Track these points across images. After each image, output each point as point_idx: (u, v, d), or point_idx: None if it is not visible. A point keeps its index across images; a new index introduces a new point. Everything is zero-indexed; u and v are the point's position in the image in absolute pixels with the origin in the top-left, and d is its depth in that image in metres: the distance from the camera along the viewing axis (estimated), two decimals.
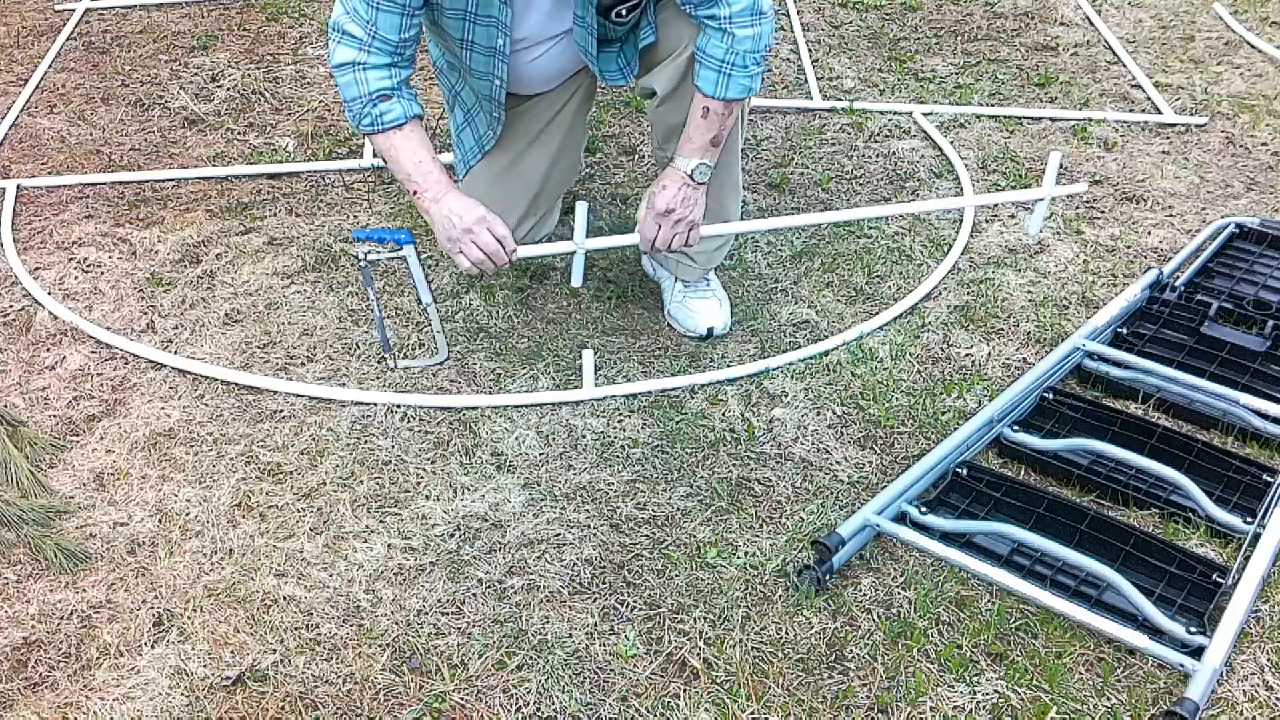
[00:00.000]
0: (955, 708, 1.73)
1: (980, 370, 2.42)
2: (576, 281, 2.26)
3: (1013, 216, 2.91)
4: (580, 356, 2.33)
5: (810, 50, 3.71)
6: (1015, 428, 2.22)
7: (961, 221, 2.88)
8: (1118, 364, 2.37)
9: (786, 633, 1.84)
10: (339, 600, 1.89)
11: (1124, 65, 3.65)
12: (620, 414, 2.29)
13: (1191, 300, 2.53)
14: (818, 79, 3.54)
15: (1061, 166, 3.12)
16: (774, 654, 1.81)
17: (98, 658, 1.79)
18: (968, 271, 2.72)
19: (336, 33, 2.13)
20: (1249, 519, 2.00)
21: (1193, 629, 1.78)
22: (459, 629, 1.85)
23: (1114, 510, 2.07)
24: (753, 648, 1.82)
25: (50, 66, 3.56)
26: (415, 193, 2.20)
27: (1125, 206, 2.97)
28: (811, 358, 2.44)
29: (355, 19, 2.10)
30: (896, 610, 1.88)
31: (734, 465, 2.17)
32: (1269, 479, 2.08)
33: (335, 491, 2.10)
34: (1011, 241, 2.82)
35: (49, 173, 3.05)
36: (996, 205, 2.93)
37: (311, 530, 2.02)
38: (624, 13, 2.17)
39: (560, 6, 2.20)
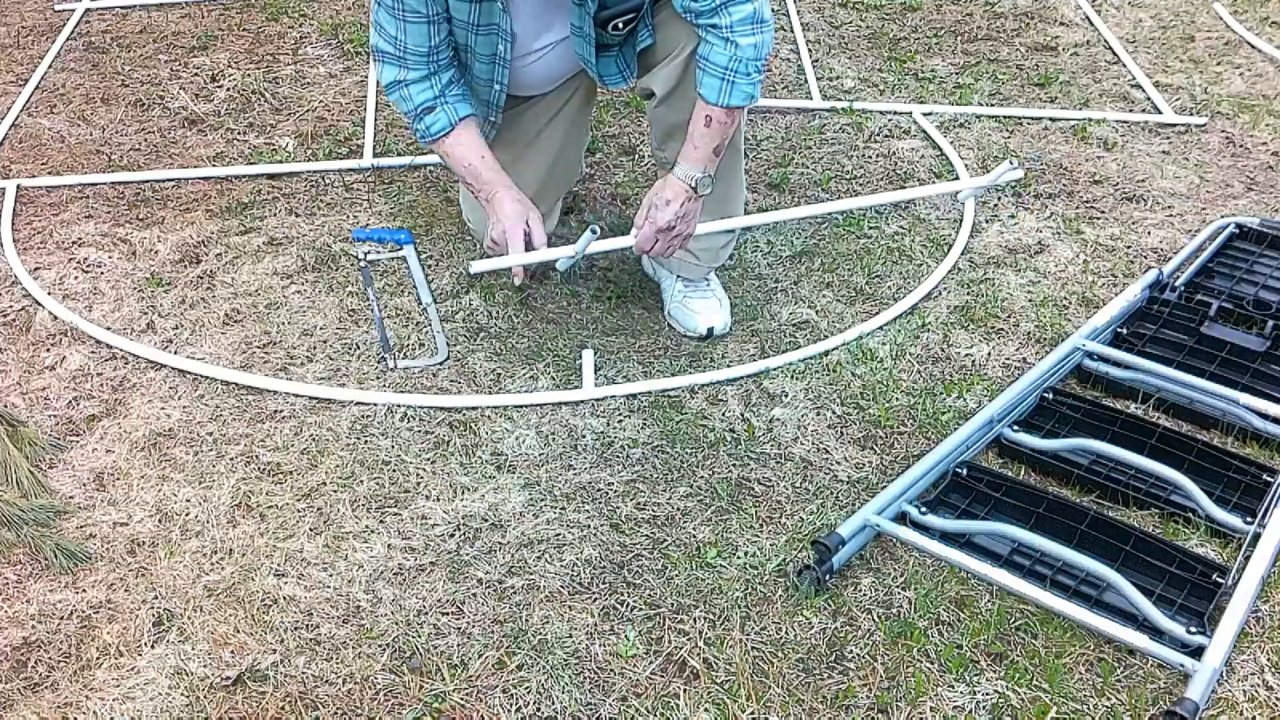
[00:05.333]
0: (955, 708, 1.73)
1: (980, 370, 2.42)
2: (562, 265, 2.26)
3: (1012, 217, 2.91)
4: (580, 356, 2.33)
5: (810, 50, 3.71)
6: (1015, 428, 2.22)
7: (961, 221, 2.88)
8: (1118, 364, 2.37)
9: (786, 633, 1.84)
10: (339, 600, 1.89)
11: (1124, 65, 3.65)
12: (620, 414, 2.29)
13: (1191, 300, 2.53)
14: (818, 79, 3.54)
15: (1062, 167, 3.12)
16: (774, 654, 1.81)
17: (98, 658, 1.79)
18: (968, 271, 2.72)
19: (375, 52, 2.25)
20: (1249, 519, 1.99)
21: (1193, 629, 1.78)
22: (459, 629, 1.85)
23: (1114, 510, 2.07)
24: (752, 648, 1.82)
25: (50, 66, 3.56)
26: (473, 193, 2.36)
27: (1125, 206, 2.97)
28: (811, 358, 2.44)
29: (384, 36, 2.21)
30: (896, 610, 1.88)
31: (734, 465, 2.17)
32: (1269, 479, 2.08)
33: (335, 491, 2.10)
34: (1011, 241, 2.82)
35: (49, 173, 3.05)
36: (996, 205, 2.93)
37: (311, 530, 2.02)
38: (620, 25, 2.19)
39: (557, 14, 2.21)
